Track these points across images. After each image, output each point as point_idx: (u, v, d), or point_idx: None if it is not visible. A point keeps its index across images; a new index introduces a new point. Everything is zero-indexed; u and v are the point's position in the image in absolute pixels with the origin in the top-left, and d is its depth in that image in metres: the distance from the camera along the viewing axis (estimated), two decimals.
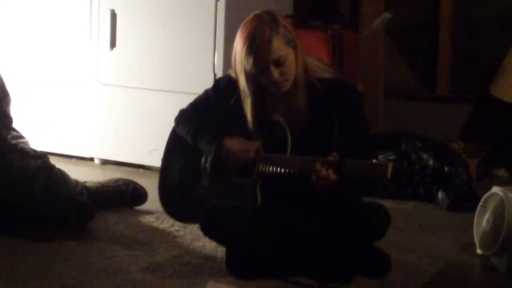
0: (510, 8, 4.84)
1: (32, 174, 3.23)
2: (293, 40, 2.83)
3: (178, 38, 4.16)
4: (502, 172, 4.47)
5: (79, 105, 4.43)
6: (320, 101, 2.88)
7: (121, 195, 3.59)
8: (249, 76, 2.83)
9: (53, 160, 3.42)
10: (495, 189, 3.14)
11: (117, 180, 3.65)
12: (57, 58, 4.44)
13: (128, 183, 3.64)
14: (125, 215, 3.51)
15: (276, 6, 4.07)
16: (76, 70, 4.40)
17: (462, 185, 3.90)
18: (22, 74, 4.48)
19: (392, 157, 4.00)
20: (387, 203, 3.44)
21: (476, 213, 3.23)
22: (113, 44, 4.28)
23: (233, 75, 2.93)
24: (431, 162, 3.84)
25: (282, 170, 2.85)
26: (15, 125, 3.42)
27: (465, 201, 3.83)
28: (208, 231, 2.94)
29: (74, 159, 4.51)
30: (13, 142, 3.35)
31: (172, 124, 3.12)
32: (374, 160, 2.77)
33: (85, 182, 3.57)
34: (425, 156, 3.95)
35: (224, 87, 2.99)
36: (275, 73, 2.80)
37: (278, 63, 2.79)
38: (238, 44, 2.81)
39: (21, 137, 3.43)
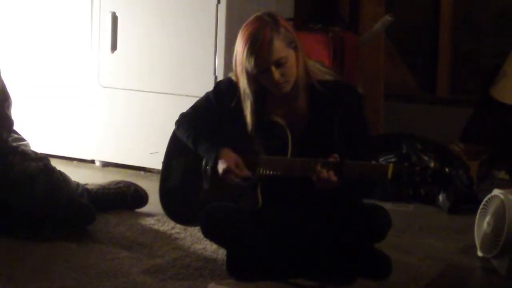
0: (510, 8, 4.84)
1: (33, 176, 3.24)
2: (294, 41, 2.83)
3: (179, 40, 4.16)
4: (502, 175, 4.47)
5: (80, 107, 4.43)
6: (320, 103, 2.88)
7: (122, 197, 3.60)
8: (250, 77, 2.84)
9: (54, 162, 3.43)
10: (496, 191, 3.14)
11: (118, 183, 3.65)
12: (58, 60, 4.44)
13: (129, 185, 3.64)
14: (126, 217, 3.51)
15: (277, 8, 4.08)
16: (77, 73, 4.41)
17: (463, 187, 3.90)
18: (23, 76, 4.49)
19: (392, 159, 4.00)
20: (387, 205, 3.45)
21: (477, 216, 3.23)
22: (114, 47, 4.28)
23: (233, 77, 2.93)
24: (431, 164, 3.84)
25: (283, 172, 2.85)
26: (16, 127, 3.43)
27: (466, 204, 3.83)
28: (209, 233, 2.94)
29: (75, 161, 4.51)
30: (14, 144, 3.35)
31: (173, 126, 3.12)
32: (374, 162, 2.78)
33: (86, 184, 3.57)
34: (425, 158, 3.95)
35: (224, 90, 2.99)
36: (276, 73, 2.80)
37: (279, 64, 2.80)
38: (239, 46, 2.82)
39: (22, 139, 3.44)
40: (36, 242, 3.15)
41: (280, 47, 2.79)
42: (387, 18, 4.48)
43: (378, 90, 4.80)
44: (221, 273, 2.91)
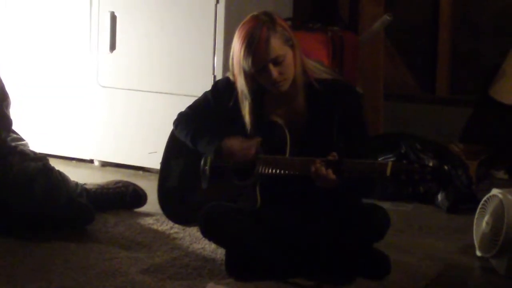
0: (510, 8, 4.83)
1: (32, 176, 3.23)
2: (291, 40, 2.83)
3: (177, 40, 4.16)
4: (501, 174, 4.47)
5: (79, 107, 4.43)
6: (319, 102, 2.88)
7: (121, 197, 3.60)
8: (248, 77, 2.84)
9: (53, 162, 3.42)
10: (495, 191, 3.14)
11: (117, 182, 3.65)
12: (57, 60, 4.44)
13: (127, 185, 3.64)
14: (124, 217, 3.51)
15: (276, 8, 4.08)
16: (76, 72, 4.41)
17: (462, 187, 3.90)
18: (22, 76, 4.49)
19: (392, 159, 4.00)
20: (386, 205, 3.45)
21: (476, 215, 3.23)
22: (113, 46, 4.28)
23: (231, 77, 2.93)
24: (431, 164, 3.84)
25: (282, 171, 2.85)
26: (15, 127, 3.43)
27: (465, 203, 3.83)
28: (208, 233, 2.94)
29: (74, 161, 4.51)
30: (13, 144, 3.35)
31: (171, 126, 3.12)
32: (373, 160, 2.78)
33: (85, 184, 3.57)
34: (425, 158, 3.96)
35: (222, 89, 2.99)
36: (274, 72, 2.80)
37: (277, 62, 2.80)
38: (236, 45, 2.82)
39: (21, 139, 3.44)
40: (35, 242, 3.15)
41: (277, 46, 2.79)
42: (386, 17, 4.48)
43: (377, 89, 4.80)
44: (220, 272, 2.91)
